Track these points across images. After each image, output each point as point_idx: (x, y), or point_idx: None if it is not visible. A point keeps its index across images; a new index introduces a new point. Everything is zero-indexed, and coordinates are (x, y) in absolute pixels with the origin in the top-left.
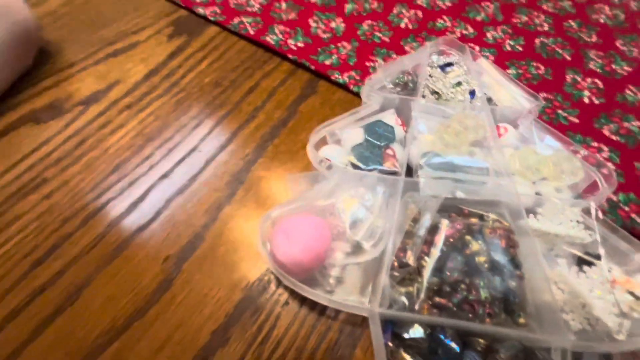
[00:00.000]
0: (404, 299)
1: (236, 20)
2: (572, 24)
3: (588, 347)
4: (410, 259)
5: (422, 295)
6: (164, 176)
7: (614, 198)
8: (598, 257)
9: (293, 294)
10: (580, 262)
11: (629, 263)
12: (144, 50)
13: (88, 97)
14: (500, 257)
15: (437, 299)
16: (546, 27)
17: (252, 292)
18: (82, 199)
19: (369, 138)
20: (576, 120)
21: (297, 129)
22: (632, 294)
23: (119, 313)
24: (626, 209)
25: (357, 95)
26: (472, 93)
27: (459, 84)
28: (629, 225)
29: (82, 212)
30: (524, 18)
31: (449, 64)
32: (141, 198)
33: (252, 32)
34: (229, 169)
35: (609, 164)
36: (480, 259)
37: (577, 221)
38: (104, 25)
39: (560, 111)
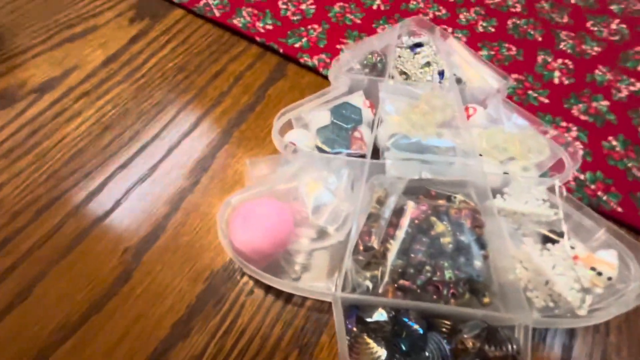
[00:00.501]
0: (367, 283)
1: (202, 2)
2: (545, 5)
3: (551, 323)
4: (374, 242)
5: (386, 278)
6: (123, 166)
7: (581, 177)
8: (561, 235)
9: (258, 282)
10: (546, 240)
11: (592, 239)
12: (104, 35)
13: (42, 84)
14: (465, 238)
15: (401, 282)
16: (519, 9)
17: (215, 281)
18: (34, 191)
19: (335, 121)
20: (546, 101)
21: (265, 114)
22: (593, 269)
23: (75, 308)
24: (592, 187)
25: (327, 78)
26: (441, 73)
27: (427, 64)
28: (595, 203)
29: (33, 205)
30: None
31: (419, 45)
32: (98, 189)
33: (218, 15)
34: (192, 156)
35: (576, 142)
36: (445, 240)
37: (543, 199)
38: (60, 9)
39: (530, 92)
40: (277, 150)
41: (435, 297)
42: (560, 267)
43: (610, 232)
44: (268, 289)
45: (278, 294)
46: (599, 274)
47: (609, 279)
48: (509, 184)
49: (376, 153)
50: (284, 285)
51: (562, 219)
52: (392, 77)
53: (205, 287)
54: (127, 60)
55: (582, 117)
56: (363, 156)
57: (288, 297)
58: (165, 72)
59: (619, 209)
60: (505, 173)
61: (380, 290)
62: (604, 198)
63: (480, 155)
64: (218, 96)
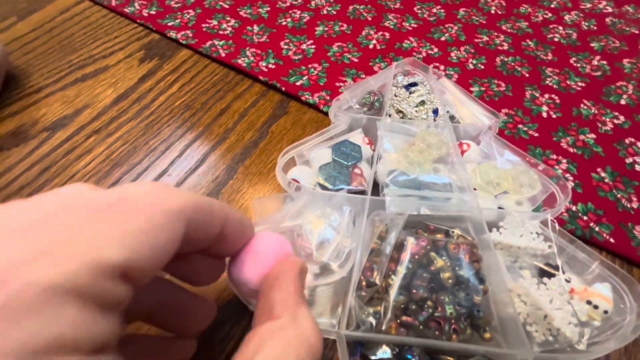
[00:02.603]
0: (371, 319)
1: (208, 43)
2: (530, 43)
3: (551, 358)
4: (377, 278)
5: (389, 315)
6: None
7: (573, 208)
8: (557, 268)
9: None
10: (543, 273)
11: (587, 272)
12: (114, 75)
13: (54, 122)
14: (464, 272)
15: (404, 318)
16: (506, 47)
17: (222, 316)
18: None
19: (336, 158)
20: (536, 134)
21: (268, 150)
22: (589, 302)
23: None
24: (585, 218)
25: (327, 115)
26: (435, 111)
27: (422, 102)
28: (588, 234)
29: None
30: (485, 38)
31: (414, 84)
32: None
33: (223, 55)
34: (198, 192)
35: (567, 175)
36: (445, 275)
37: (537, 233)
38: (74, 50)
39: (520, 126)
40: (280, 185)
41: (437, 333)
42: (557, 301)
43: (604, 265)
44: None
45: None
46: (595, 307)
47: (605, 312)
48: (504, 218)
49: (376, 188)
50: None
51: (556, 252)
52: (390, 116)
53: (214, 323)
54: (137, 98)
55: (571, 150)
56: (363, 192)
57: None
58: (173, 110)
59: (612, 240)
60: (500, 208)
61: (383, 327)
62: (597, 229)
63: (475, 189)
64: (223, 133)
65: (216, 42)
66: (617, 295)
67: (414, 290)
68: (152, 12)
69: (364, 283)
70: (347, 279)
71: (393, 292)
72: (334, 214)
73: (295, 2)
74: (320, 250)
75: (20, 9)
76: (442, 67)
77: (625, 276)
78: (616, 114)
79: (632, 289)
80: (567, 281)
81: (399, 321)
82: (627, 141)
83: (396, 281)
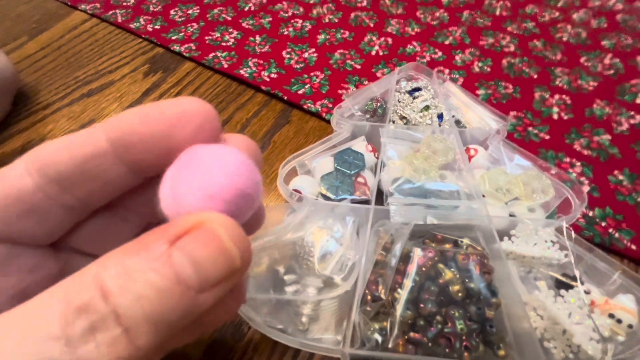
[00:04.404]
0: (376, 336)
1: (211, 55)
2: (537, 43)
3: None
4: (382, 291)
5: (395, 331)
6: None
7: (590, 213)
8: (575, 279)
9: (264, 336)
10: (560, 285)
11: (608, 283)
12: (119, 89)
13: None
14: (475, 285)
15: (411, 334)
16: (512, 48)
17: (223, 335)
18: None
19: (338, 167)
20: (547, 137)
21: (271, 160)
22: (612, 316)
23: None
24: (603, 224)
25: (329, 122)
26: (440, 116)
27: (426, 108)
28: (608, 241)
29: None
30: (491, 40)
31: (417, 89)
32: None
33: (226, 66)
34: None
35: (581, 179)
36: (454, 288)
37: (552, 241)
38: (81, 66)
39: (530, 128)
40: (283, 196)
41: (447, 350)
42: (577, 314)
43: (626, 275)
44: (275, 343)
45: (285, 348)
46: (619, 321)
47: (630, 326)
48: (516, 225)
49: (381, 197)
50: (290, 341)
51: (573, 262)
52: (393, 122)
53: (212, 341)
54: None
55: (585, 152)
56: (367, 201)
57: (295, 353)
58: None
59: (633, 247)
60: (511, 215)
61: (390, 345)
62: (616, 235)
63: (483, 196)
64: None
65: (219, 54)
66: None
67: (422, 305)
68: (157, 27)
69: (368, 297)
70: (352, 293)
71: (399, 307)
72: (336, 225)
73: (297, 12)
74: (323, 263)
75: (31, 28)
76: (446, 71)
77: None
78: (632, 113)
79: None
80: (587, 293)
81: (406, 338)
82: None
83: (402, 295)
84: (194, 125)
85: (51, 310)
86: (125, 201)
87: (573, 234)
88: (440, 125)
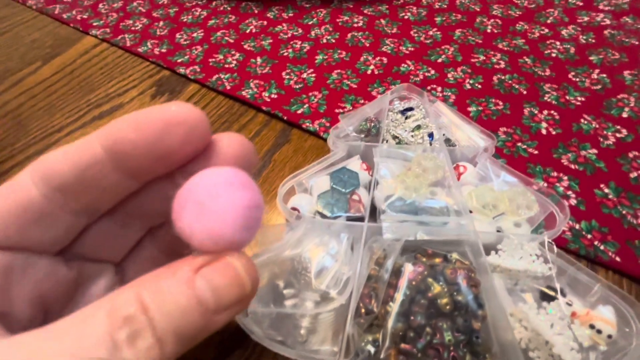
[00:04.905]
0: (369, 348)
1: (214, 77)
2: (527, 60)
3: None
4: (374, 305)
5: (387, 342)
6: None
7: (577, 226)
8: (556, 291)
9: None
10: (544, 297)
11: (590, 294)
12: (128, 111)
13: None
14: (462, 297)
15: (402, 345)
16: (502, 65)
17: (229, 344)
18: None
19: (334, 186)
20: (535, 152)
21: (271, 178)
22: (592, 327)
23: None
24: (589, 236)
25: (327, 141)
26: (431, 135)
27: (418, 127)
28: (593, 253)
29: None
30: (482, 57)
31: (409, 109)
32: None
33: (228, 88)
34: None
35: (568, 192)
36: (443, 301)
37: (537, 255)
38: (92, 90)
39: (520, 144)
40: (282, 213)
41: None
42: (558, 326)
43: (606, 287)
44: (275, 354)
45: (286, 359)
46: (599, 331)
47: (609, 336)
48: (502, 240)
49: (375, 213)
50: (289, 353)
51: (554, 275)
52: (387, 141)
53: (216, 354)
54: None
55: (572, 166)
56: (362, 218)
57: None
58: None
59: (618, 259)
60: (498, 230)
61: (382, 355)
62: (601, 248)
63: (471, 212)
64: None
65: (222, 76)
66: (622, 318)
67: (412, 317)
68: (163, 50)
69: (362, 310)
70: (347, 306)
71: (391, 320)
72: (332, 242)
73: (296, 33)
74: (319, 279)
75: (45, 53)
76: (439, 89)
77: (627, 298)
78: (618, 127)
79: (636, 311)
80: (569, 304)
81: (397, 349)
82: (630, 155)
83: (394, 308)
84: (184, 130)
85: (99, 319)
86: (127, 207)
87: (555, 248)
88: (431, 143)
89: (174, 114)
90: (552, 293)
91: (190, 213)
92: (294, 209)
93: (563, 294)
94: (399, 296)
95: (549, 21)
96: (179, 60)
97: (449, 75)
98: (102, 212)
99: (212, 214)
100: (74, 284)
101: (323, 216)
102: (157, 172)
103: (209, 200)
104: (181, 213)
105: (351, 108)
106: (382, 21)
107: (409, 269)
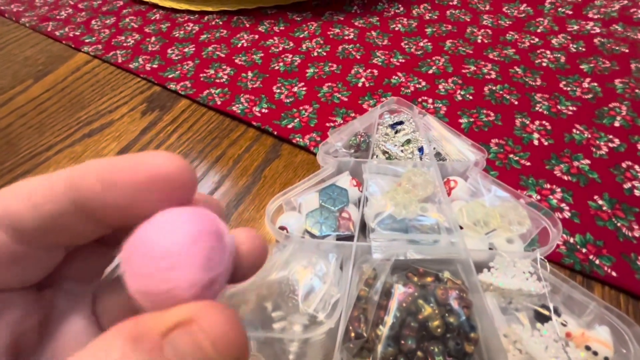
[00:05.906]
0: None
1: (205, 92)
2: (518, 70)
3: None
4: (364, 328)
5: None
6: None
7: (571, 240)
8: (550, 311)
9: None
10: (539, 316)
11: (586, 313)
12: (118, 128)
13: None
14: (454, 319)
15: None
16: (493, 75)
17: None
18: None
19: (323, 203)
20: (528, 163)
21: (261, 194)
22: (588, 348)
23: None
24: (584, 250)
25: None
26: (421, 149)
27: (408, 141)
28: (588, 268)
29: None
30: (472, 68)
31: (399, 122)
32: None
33: (219, 103)
34: None
35: (562, 205)
36: (434, 323)
37: (530, 273)
38: (82, 107)
39: (512, 155)
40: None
41: None
42: (552, 348)
43: (602, 306)
44: None
45: None
46: (595, 353)
47: (606, 359)
48: (495, 257)
49: (365, 230)
50: None
51: (547, 294)
52: (377, 156)
53: None
54: (138, 151)
55: (565, 178)
56: (351, 237)
57: None
58: None
59: (614, 274)
60: (490, 247)
61: None
62: (597, 262)
63: (461, 228)
64: (219, 180)
65: (212, 91)
66: (619, 338)
67: (403, 342)
68: (155, 66)
69: (352, 334)
70: (336, 329)
71: (381, 344)
72: (319, 263)
73: (287, 47)
74: (307, 302)
75: (37, 71)
76: (430, 101)
77: (624, 317)
78: (611, 136)
79: (633, 331)
80: (564, 325)
81: None
82: (624, 165)
83: (384, 331)
84: (163, 192)
85: None
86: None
87: (548, 266)
88: (421, 158)
89: (154, 171)
90: (546, 313)
91: (136, 268)
92: (282, 228)
93: (558, 314)
94: (389, 319)
95: (539, 30)
96: (170, 76)
97: (440, 87)
98: (75, 246)
99: (158, 261)
100: (46, 321)
101: (312, 235)
102: (134, 222)
103: (151, 249)
104: (128, 271)
105: (342, 122)
106: (373, 33)
107: (399, 290)
